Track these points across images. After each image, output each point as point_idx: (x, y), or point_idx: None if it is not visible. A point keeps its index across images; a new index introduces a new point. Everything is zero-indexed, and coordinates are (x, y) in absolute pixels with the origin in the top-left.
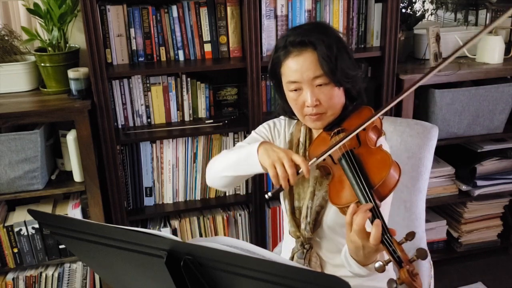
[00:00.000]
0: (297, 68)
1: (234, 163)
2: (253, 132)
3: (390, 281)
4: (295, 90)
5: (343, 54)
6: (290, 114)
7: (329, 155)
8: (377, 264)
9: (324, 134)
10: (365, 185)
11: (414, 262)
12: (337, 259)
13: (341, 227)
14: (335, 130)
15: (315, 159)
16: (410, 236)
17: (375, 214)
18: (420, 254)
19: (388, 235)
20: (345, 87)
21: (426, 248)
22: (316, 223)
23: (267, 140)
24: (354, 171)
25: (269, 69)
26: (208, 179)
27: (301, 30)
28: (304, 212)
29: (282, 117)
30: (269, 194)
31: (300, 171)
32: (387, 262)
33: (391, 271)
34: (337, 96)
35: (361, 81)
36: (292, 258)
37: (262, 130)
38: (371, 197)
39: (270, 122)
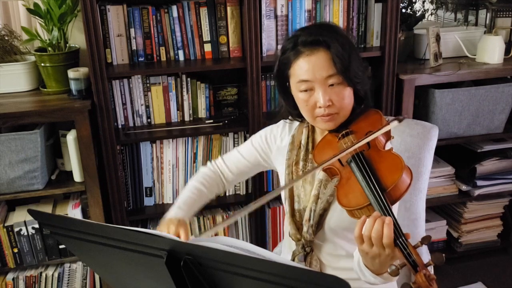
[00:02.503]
0: (309, 67)
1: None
2: (250, 140)
3: (405, 285)
4: (306, 90)
5: (354, 54)
6: (296, 117)
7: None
8: (390, 269)
9: (329, 136)
10: (377, 188)
11: (429, 266)
12: (337, 263)
13: (343, 230)
14: (343, 132)
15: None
16: (426, 240)
17: (389, 216)
18: (437, 259)
19: (402, 238)
20: (356, 88)
21: (427, 246)
22: (319, 226)
23: (263, 150)
24: (365, 173)
25: (276, 71)
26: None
27: (312, 30)
28: (307, 215)
29: (281, 121)
30: None
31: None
32: (401, 266)
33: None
34: (348, 97)
35: (368, 82)
36: (293, 261)
37: (258, 141)
38: (384, 200)
39: (267, 129)
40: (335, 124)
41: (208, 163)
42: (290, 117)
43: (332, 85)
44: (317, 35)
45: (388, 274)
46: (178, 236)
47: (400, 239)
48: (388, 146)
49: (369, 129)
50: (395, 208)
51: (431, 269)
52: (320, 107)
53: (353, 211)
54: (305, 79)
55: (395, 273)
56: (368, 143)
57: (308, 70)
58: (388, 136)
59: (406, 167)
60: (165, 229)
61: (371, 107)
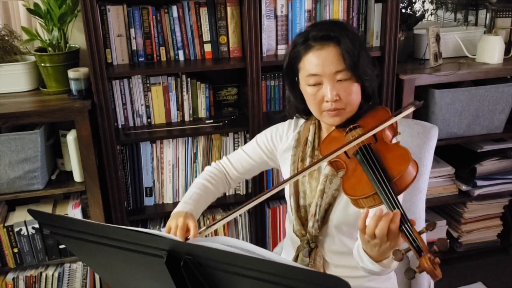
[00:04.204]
0: (319, 62)
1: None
2: (254, 139)
3: (409, 270)
4: (314, 84)
5: (363, 51)
6: (303, 113)
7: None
8: (395, 255)
9: (335, 132)
10: (384, 177)
11: (434, 251)
12: (340, 260)
13: (347, 226)
14: (351, 126)
15: (205, 227)
16: (431, 226)
17: (395, 205)
18: (441, 244)
19: (408, 224)
20: (364, 84)
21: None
22: (324, 221)
23: (268, 149)
24: (372, 164)
25: (286, 65)
26: None
27: (323, 25)
28: (313, 209)
29: (287, 121)
30: None
31: (188, 236)
32: (406, 251)
33: (392, 273)
34: (356, 93)
35: (376, 80)
36: (297, 257)
37: (263, 140)
38: (390, 189)
39: (273, 128)
40: (341, 120)
41: (213, 162)
42: (297, 114)
43: (340, 80)
44: (328, 30)
45: (390, 259)
46: (187, 229)
47: (406, 225)
48: (394, 141)
49: (376, 124)
50: (400, 198)
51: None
52: (327, 101)
53: (358, 200)
54: (314, 73)
55: (399, 258)
56: (375, 137)
57: (317, 64)
58: (395, 131)
59: (412, 159)
60: (174, 222)
61: (378, 105)
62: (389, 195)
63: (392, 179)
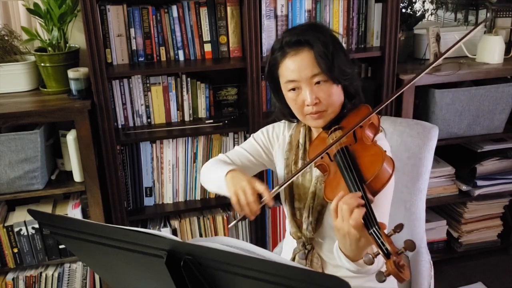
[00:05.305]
0: (295, 67)
1: (212, 180)
2: (251, 137)
3: (379, 273)
4: (294, 89)
5: (339, 52)
6: (289, 117)
7: (326, 153)
8: (365, 258)
9: (322, 134)
10: (357, 180)
11: (402, 253)
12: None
13: None
14: (332, 128)
15: (278, 187)
16: (399, 228)
17: (364, 205)
18: (408, 245)
19: (376, 227)
20: (343, 85)
21: (427, 246)
22: (318, 222)
23: (265, 146)
24: (347, 166)
25: (266, 72)
26: (201, 181)
27: (296, 30)
28: (306, 212)
29: (282, 120)
30: (233, 223)
31: (262, 199)
32: (375, 255)
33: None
34: (336, 94)
35: (358, 78)
36: (293, 259)
37: (260, 136)
38: (361, 191)
39: (269, 126)
40: (325, 121)
41: (211, 159)
42: (283, 118)
43: (318, 82)
44: (299, 35)
45: (363, 262)
46: (258, 193)
47: (374, 228)
48: (376, 139)
49: (355, 124)
50: (385, 202)
51: (431, 268)
52: (308, 105)
53: None
54: (291, 79)
55: (370, 262)
56: (355, 137)
57: (294, 70)
58: (375, 129)
59: (387, 157)
60: (240, 191)
61: (362, 103)
62: (362, 198)
63: (366, 181)
